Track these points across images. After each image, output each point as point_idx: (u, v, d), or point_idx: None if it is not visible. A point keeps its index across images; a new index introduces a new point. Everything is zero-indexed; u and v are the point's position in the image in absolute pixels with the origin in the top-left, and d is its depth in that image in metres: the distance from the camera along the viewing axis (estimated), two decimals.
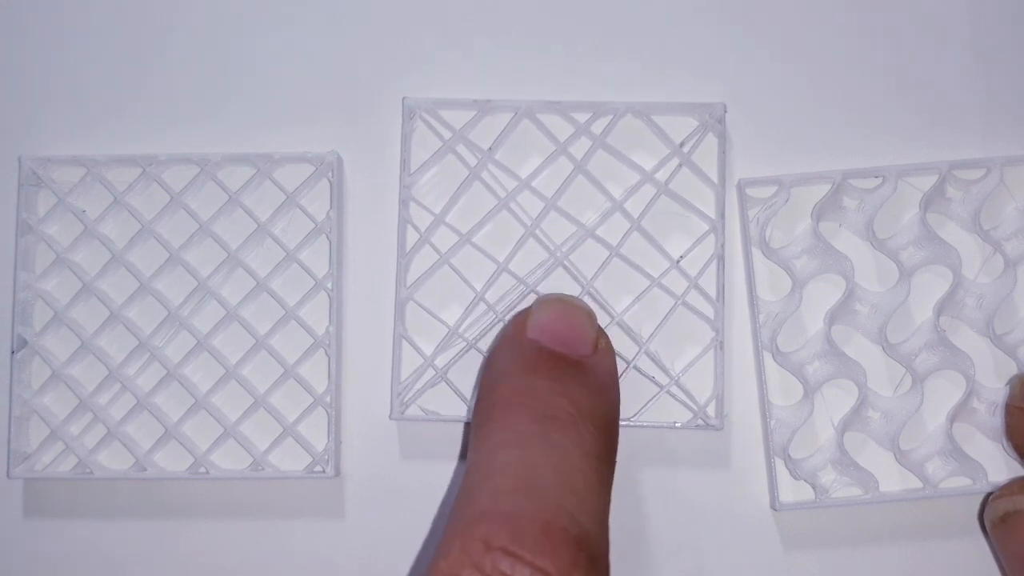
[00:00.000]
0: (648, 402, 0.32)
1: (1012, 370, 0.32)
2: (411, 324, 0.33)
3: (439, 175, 0.34)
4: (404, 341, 0.33)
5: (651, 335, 0.32)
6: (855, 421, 0.32)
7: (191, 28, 0.35)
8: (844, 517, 0.32)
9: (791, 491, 0.32)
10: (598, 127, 0.33)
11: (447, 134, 0.33)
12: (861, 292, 0.33)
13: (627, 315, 0.32)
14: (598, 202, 0.33)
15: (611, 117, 0.33)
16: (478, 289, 0.32)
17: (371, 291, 0.33)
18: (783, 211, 0.33)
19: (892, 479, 0.32)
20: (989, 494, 0.31)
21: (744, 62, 0.34)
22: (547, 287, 0.33)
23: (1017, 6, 0.34)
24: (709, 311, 0.32)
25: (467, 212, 0.33)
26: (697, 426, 0.32)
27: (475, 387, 0.32)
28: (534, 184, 0.33)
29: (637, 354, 0.32)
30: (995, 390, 0.32)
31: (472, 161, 0.33)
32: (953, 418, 0.32)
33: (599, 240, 0.33)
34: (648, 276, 0.32)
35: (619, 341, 0.32)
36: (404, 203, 0.33)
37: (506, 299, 0.33)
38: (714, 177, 0.33)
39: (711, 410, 0.32)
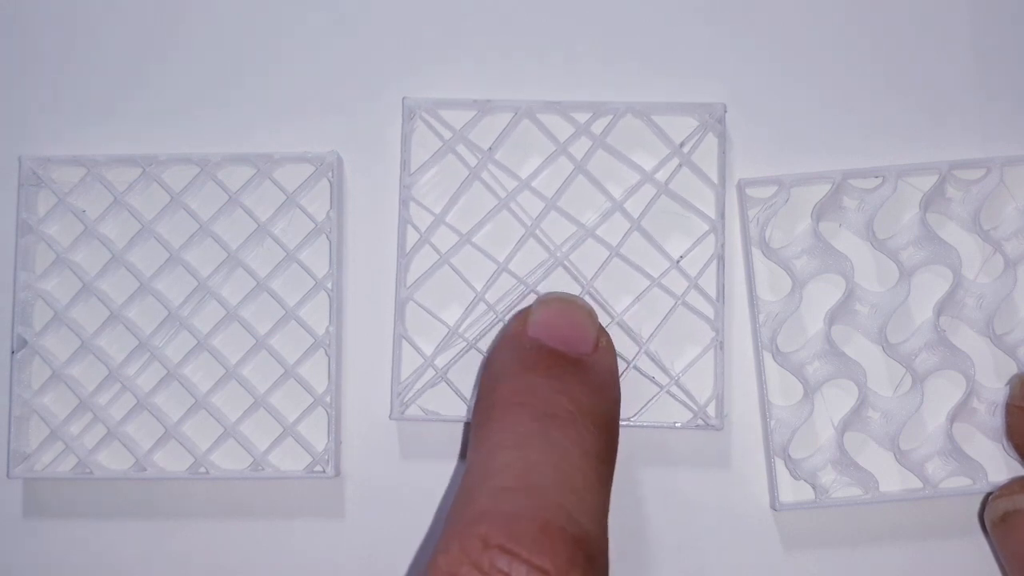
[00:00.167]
0: (648, 402, 0.32)
1: (1012, 370, 0.32)
2: (411, 324, 0.33)
3: (439, 175, 0.34)
4: (404, 341, 0.32)
5: (651, 335, 0.32)
6: (855, 421, 0.32)
7: (191, 28, 0.35)
8: (844, 517, 0.32)
9: (791, 491, 0.32)
10: (598, 127, 0.33)
11: (447, 134, 0.33)
12: (861, 292, 0.33)
13: (627, 315, 0.32)
14: (598, 202, 0.33)
15: (611, 117, 0.33)
16: (478, 289, 0.32)
17: (371, 291, 0.33)
18: (783, 211, 0.33)
19: (892, 479, 0.32)
20: (989, 494, 0.31)
21: (744, 62, 0.34)
22: (547, 287, 0.33)
23: (1017, 6, 0.34)
24: (709, 311, 0.32)
25: (467, 212, 0.33)
26: (697, 426, 0.32)
27: (475, 386, 0.32)
28: (534, 184, 0.33)
29: (637, 354, 0.32)
30: (995, 390, 0.32)
31: (472, 161, 0.33)
32: (953, 418, 0.32)
33: (599, 240, 0.33)
34: (648, 276, 0.32)
35: (619, 341, 0.31)
36: (404, 203, 0.33)
37: (506, 299, 0.33)
38: (714, 177, 0.33)
39: (711, 410, 0.32)
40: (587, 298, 0.32)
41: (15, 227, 0.33)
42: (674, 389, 0.32)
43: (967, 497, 0.32)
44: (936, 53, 0.34)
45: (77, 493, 0.33)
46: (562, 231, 0.33)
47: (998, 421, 0.32)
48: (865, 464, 0.32)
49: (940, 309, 0.32)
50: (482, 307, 0.33)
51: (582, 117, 0.33)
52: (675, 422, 0.32)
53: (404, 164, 0.33)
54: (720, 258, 0.32)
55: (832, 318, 0.32)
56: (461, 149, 0.33)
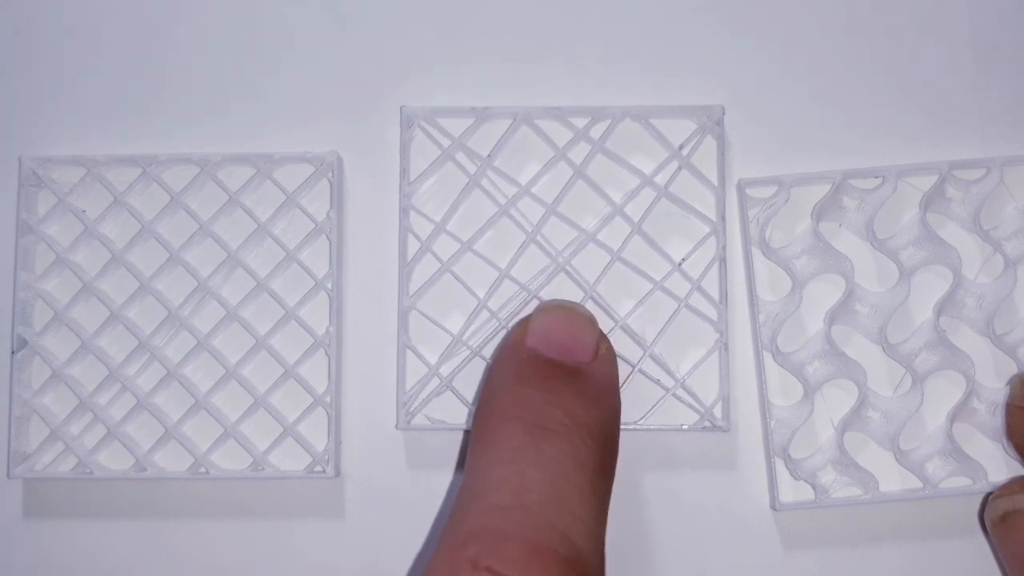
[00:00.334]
0: (654, 405, 0.32)
1: (1012, 370, 0.32)
2: (414, 332, 0.33)
3: (439, 183, 0.34)
4: (408, 350, 0.32)
5: (655, 338, 0.32)
6: (855, 421, 0.32)
7: (191, 28, 0.35)
8: (844, 517, 0.32)
9: (791, 491, 0.32)
10: (597, 132, 0.33)
11: (446, 142, 0.33)
12: (861, 292, 0.33)
13: (630, 319, 0.32)
14: (598, 207, 0.33)
15: (610, 121, 0.33)
16: (481, 296, 0.32)
17: (371, 291, 0.33)
18: (783, 211, 0.33)
19: (892, 479, 0.32)
20: (989, 494, 0.31)
21: (744, 62, 0.34)
22: (549, 293, 0.33)
23: (1017, 6, 0.34)
24: (712, 313, 0.32)
25: (467, 220, 0.33)
26: (704, 428, 0.32)
27: (476, 395, 0.32)
28: (534, 190, 0.33)
29: (642, 358, 0.32)
30: (995, 390, 0.32)
31: (471, 168, 0.33)
32: (953, 418, 0.32)
33: (600, 245, 0.33)
34: (650, 279, 0.32)
35: (623, 345, 0.32)
36: (404, 212, 0.33)
37: (509, 306, 0.32)
38: (714, 179, 0.33)
39: (717, 411, 0.32)
40: (590, 303, 0.32)
41: (15, 227, 0.33)
42: (679, 391, 0.32)
43: (967, 497, 0.32)
44: (936, 53, 0.34)
45: (77, 493, 0.33)
46: (563, 236, 0.33)
47: (998, 421, 0.32)
48: (865, 464, 0.31)
49: (940, 309, 0.32)
50: (485, 314, 0.32)
51: (580, 122, 0.33)
52: (682, 424, 0.32)
53: (403, 172, 0.33)
54: (722, 260, 0.32)
55: (832, 318, 0.32)
56: (460, 157, 0.33)
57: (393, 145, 0.34)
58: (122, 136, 0.34)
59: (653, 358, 0.32)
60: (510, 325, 0.32)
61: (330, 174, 0.33)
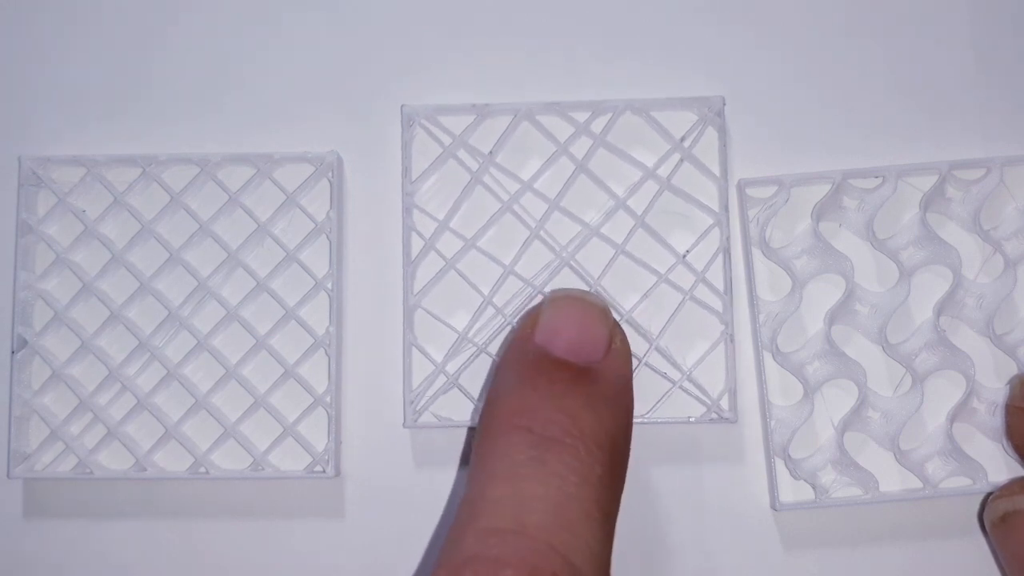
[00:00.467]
0: (661, 398, 0.32)
1: (1012, 370, 0.32)
2: (419, 331, 0.33)
3: (441, 181, 0.34)
4: (413, 348, 0.32)
5: (661, 331, 0.32)
6: (855, 421, 0.32)
7: (191, 28, 0.35)
8: (844, 517, 0.32)
9: (791, 491, 0.32)
10: (598, 126, 0.33)
11: (447, 140, 0.33)
12: (861, 292, 0.33)
13: (635, 312, 0.32)
14: (601, 201, 0.33)
15: (610, 115, 0.33)
16: (485, 293, 0.32)
17: (372, 291, 0.33)
18: (783, 211, 0.33)
19: (892, 479, 0.32)
20: (989, 494, 0.31)
21: (744, 62, 0.34)
22: (554, 288, 0.32)
23: (1017, 6, 0.34)
24: (717, 305, 0.32)
25: (470, 217, 0.33)
26: (711, 420, 0.32)
27: (480, 393, 0.32)
28: (536, 186, 0.33)
29: (648, 351, 0.32)
30: (995, 390, 0.32)
31: (473, 166, 0.33)
32: (953, 418, 0.32)
33: (604, 239, 0.33)
34: (655, 272, 0.32)
35: (629, 339, 0.31)
36: (407, 210, 0.33)
37: (514, 302, 0.32)
38: (715, 171, 0.33)
39: (724, 403, 0.32)
40: None
41: (15, 227, 0.33)
42: (686, 384, 0.32)
43: (967, 497, 0.32)
44: (936, 53, 0.34)
45: (77, 493, 0.33)
46: (566, 231, 0.33)
47: (998, 421, 0.32)
48: (865, 464, 0.31)
49: (940, 309, 0.32)
50: (490, 311, 0.32)
51: (581, 116, 0.33)
52: (689, 417, 0.32)
53: (405, 171, 0.33)
54: (726, 251, 0.32)
55: (832, 318, 0.32)
56: (462, 154, 0.33)
57: (393, 144, 0.34)
58: (122, 136, 0.34)
59: (659, 351, 0.32)
60: (515, 321, 0.32)
61: (330, 174, 0.33)
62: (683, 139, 0.33)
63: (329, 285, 0.33)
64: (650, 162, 0.33)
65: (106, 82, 0.35)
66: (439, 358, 0.32)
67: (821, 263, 0.33)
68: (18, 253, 0.33)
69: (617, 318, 0.32)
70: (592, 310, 0.27)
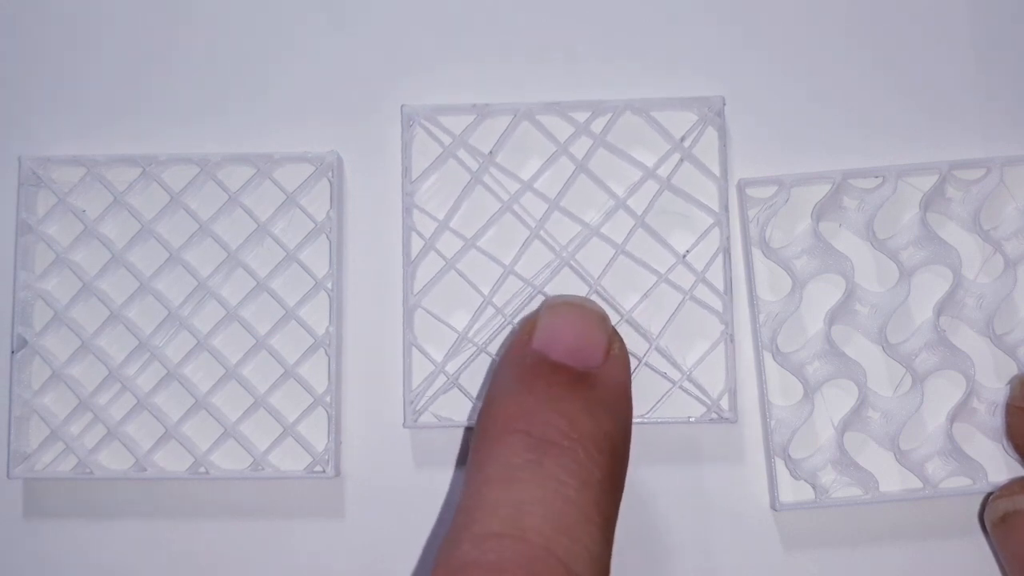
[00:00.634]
0: (661, 398, 0.32)
1: (1012, 370, 0.32)
2: (419, 331, 0.33)
3: (441, 181, 0.34)
4: (413, 348, 0.32)
5: (661, 331, 0.32)
6: (855, 421, 0.32)
7: (191, 28, 0.35)
8: (844, 517, 0.32)
9: (791, 491, 0.32)
10: (598, 126, 0.33)
11: (447, 140, 0.33)
12: (861, 292, 0.33)
13: (635, 312, 0.32)
14: (601, 201, 0.33)
15: (610, 115, 0.33)
16: (485, 293, 0.32)
17: (372, 291, 0.33)
18: (783, 211, 0.33)
19: (892, 479, 0.32)
20: (989, 494, 0.31)
21: (744, 62, 0.34)
22: (554, 288, 0.32)
23: (1017, 6, 0.34)
24: (717, 305, 0.32)
25: (470, 217, 0.33)
26: (711, 420, 0.32)
27: (478, 394, 0.32)
28: (536, 185, 0.33)
29: (648, 351, 0.32)
30: (995, 390, 0.32)
31: (473, 165, 0.33)
32: (953, 418, 0.32)
33: (604, 239, 0.33)
34: (655, 272, 0.32)
35: (629, 338, 0.31)
36: (407, 210, 0.33)
37: (514, 302, 0.32)
38: (715, 171, 0.33)
39: (724, 403, 0.32)
40: (594, 297, 0.32)
41: (15, 227, 0.33)
42: (686, 384, 0.32)
43: (967, 497, 0.32)
44: (936, 53, 0.34)
45: (77, 493, 0.33)
46: (566, 231, 0.33)
47: (998, 421, 0.32)
48: (865, 464, 0.31)
49: (940, 309, 0.32)
50: (490, 311, 0.32)
51: (581, 116, 0.33)
52: (688, 417, 0.32)
53: (405, 171, 0.33)
54: (726, 251, 0.32)
55: (832, 318, 0.32)
56: (462, 154, 0.33)
57: (393, 144, 0.34)
58: (122, 136, 0.34)
59: (659, 351, 0.32)
60: (515, 321, 0.32)
61: (330, 174, 0.33)
62: (683, 139, 0.33)
63: (329, 285, 0.33)
64: (650, 162, 0.33)
65: (106, 82, 0.35)
66: (439, 358, 0.32)
67: (821, 263, 0.33)
68: (18, 253, 0.33)
69: (617, 318, 0.32)
70: (590, 316, 0.27)
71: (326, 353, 0.33)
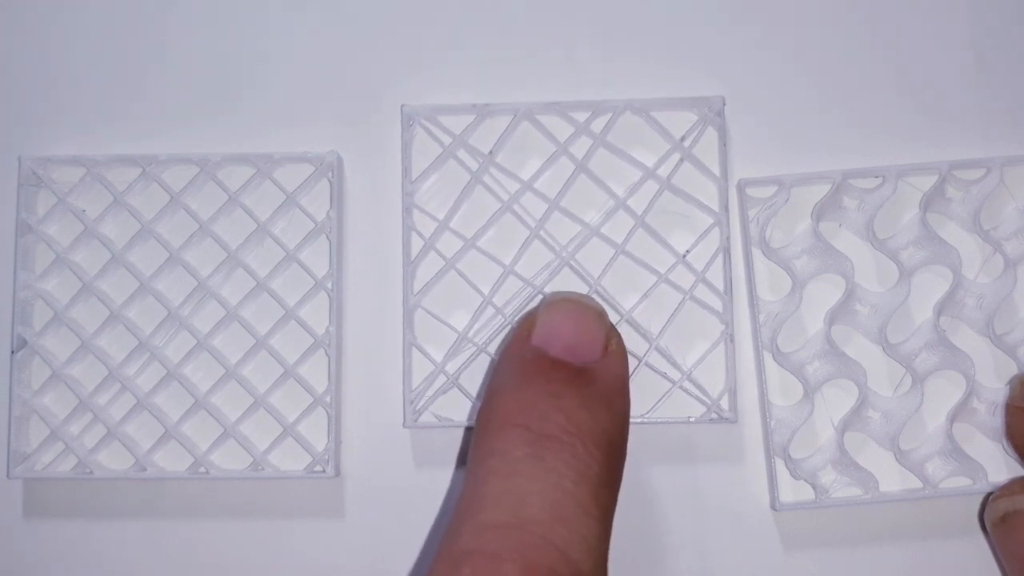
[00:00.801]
0: (661, 398, 0.32)
1: (1012, 370, 0.32)
2: (419, 330, 0.33)
3: (441, 181, 0.34)
4: (413, 348, 0.32)
5: (661, 331, 0.32)
6: (855, 421, 0.32)
7: (191, 28, 0.35)
8: (844, 517, 0.32)
9: (791, 491, 0.32)
10: (598, 126, 0.33)
11: (447, 140, 0.33)
12: (861, 292, 0.33)
13: (635, 312, 0.32)
14: (601, 201, 0.33)
15: (610, 115, 0.33)
16: (485, 293, 0.32)
17: (372, 291, 0.33)
18: (783, 211, 0.33)
19: (892, 479, 0.32)
20: (989, 494, 0.31)
21: (744, 62, 0.34)
22: (554, 288, 0.32)
23: (1017, 6, 0.34)
24: (717, 304, 0.32)
25: (470, 217, 0.33)
26: (711, 420, 0.32)
27: (480, 392, 0.32)
28: (536, 185, 0.33)
29: (648, 351, 0.32)
30: (995, 390, 0.32)
31: (473, 165, 0.33)
32: (953, 418, 0.32)
33: (604, 239, 0.33)
34: (655, 272, 0.32)
35: (629, 338, 0.31)
36: (407, 210, 0.33)
37: (514, 302, 0.32)
38: (715, 171, 0.33)
39: (724, 403, 0.32)
40: (595, 297, 0.32)
41: (15, 227, 0.33)
42: (686, 384, 0.32)
43: (967, 497, 0.32)
44: (936, 53, 0.34)
45: (77, 493, 0.33)
46: (566, 231, 0.33)
47: (998, 421, 0.32)
48: (865, 464, 0.31)
49: (940, 309, 0.32)
50: (490, 311, 0.32)
51: (581, 116, 0.33)
52: (689, 417, 0.32)
53: (405, 171, 0.33)
54: (726, 251, 0.32)
55: (832, 318, 0.32)
56: (462, 154, 0.33)
57: (393, 144, 0.34)
58: (122, 136, 0.34)
59: (659, 351, 0.32)
60: (515, 321, 0.32)
61: (330, 174, 0.33)
62: (683, 139, 0.33)
63: (329, 285, 0.33)
64: (650, 162, 0.33)
65: (106, 82, 0.35)
66: (439, 358, 0.32)
67: (821, 263, 0.33)
68: (18, 253, 0.33)
69: (617, 318, 0.32)
70: (589, 312, 0.27)
71: (326, 353, 0.33)
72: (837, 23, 0.34)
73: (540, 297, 0.32)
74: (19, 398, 0.33)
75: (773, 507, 0.32)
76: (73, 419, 0.33)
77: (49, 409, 0.33)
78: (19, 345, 0.33)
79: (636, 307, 0.32)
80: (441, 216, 0.33)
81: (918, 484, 0.32)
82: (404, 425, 0.32)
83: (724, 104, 0.33)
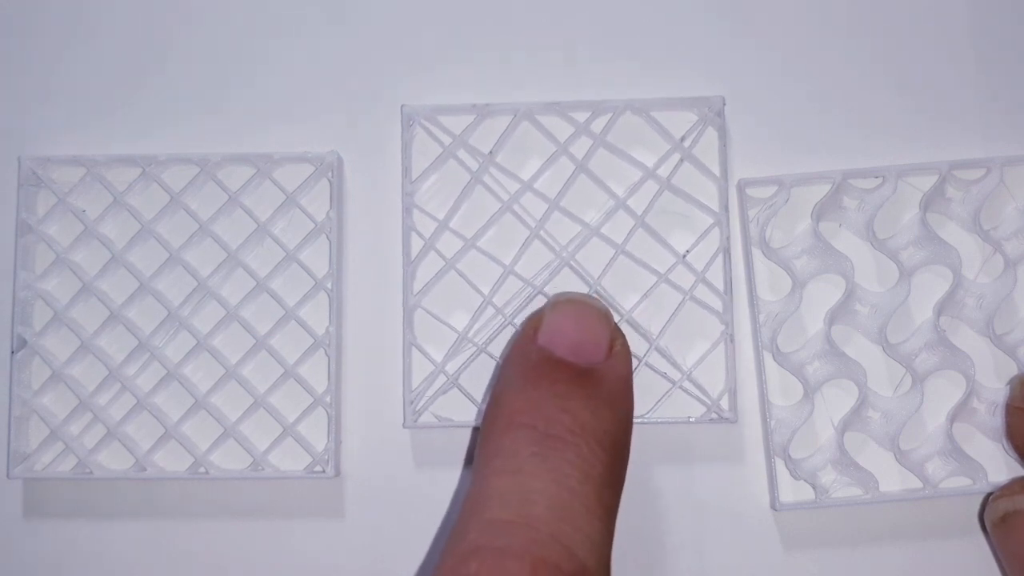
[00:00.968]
0: (661, 398, 0.32)
1: (1012, 370, 0.32)
2: (419, 331, 0.33)
3: (440, 181, 0.34)
4: (413, 348, 0.32)
5: (661, 331, 0.32)
6: (855, 421, 0.32)
7: (191, 28, 0.35)
8: (844, 517, 0.32)
9: (791, 491, 0.32)
10: (598, 126, 0.33)
11: (447, 140, 0.33)
12: (861, 292, 0.33)
13: (635, 312, 0.32)
14: (601, 201, 0.33)
15: (610, 115, 0.33)
16: (485, 293, 0.32)
17: (371, 291, 0.33)
18: (783, 211, 0.33)
19: (892, 479, 0.32)
20: (989, 494, 0.31)
21: (744, 62, 0.34)
22: (554, 288, 0.32)
23: (1017, 6, 0.34)
24: (717, 304, 0.32)
25: (470, 217, 0.33)
26: (711, 420, 0.32)
27: (484, 393, 0.32)
28: (536, 186, 0.33)
29: (648, 351, 0.32)
30: (995, 390, 0.32)
31: (473, 166, 0.33)
32: (953, 418, 0.32)
33: (604, 239, 0.33)
34: (655, 272, 0.32)
35: (629, 338, 0.31)
36: (407, 210, 0.33)
37: (514, 302, 0.32)
38: (715, 171, 0.33)
39: (724, 403, 0.32)
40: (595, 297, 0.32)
41: (15, 227, 0.33)
42: (686, 384, 0.32)
43: (967, 497, 0.32)
44: (936, 53, 0.34)
45: (77, 493, 0.33)
46: (566, 231, 0.33)
47: (998, 421, 0.32)
48: (865, 464, 0.32)
49: (940, 309, 0.32)
50: (490, 311, 0.32)
51: (581, 116, 0.33)
52: (689, 417, 0.32)
53: (405, 171, 0.33)
54: (726, 251, 0.32)
55: (832, 318, 0.32)
56: (462, 154, 0.33)
57: (393, 144, 0.34)
58: (122, 136, 0.34)
59: (659, 351, 0.32)
60: (515, 321, 0.32)
61: (330, 174, 0.33)
62: (683, 139, 0.33)
63: (329, 285, 0.33)
64: (650, 162, 0.33)
65: (106, 82, 0.35)
66: (439, 358, 0.32)
67: (821, 263, 0.33)
68: (18, 253, 0.33)
69: (617, 318, 0.32)
70: (594, 313, 0.28)
71: (326, 353, 0.33)
72: (837, 23, 0.34)
73: (540, 297, 0.32)
74: (19, 398, 0.33)
75: (773, 507, 0.32)
76: (73, 419, 0.33)
77: (49, 409, 0.33)
78: (19, 345, 0.33)
79: (636, 307, 0.32)
80: (441, 216, 0.33)
81: (918, 484, 0.32)
82: (404, 425, 0.32)
83: (724, 104, 0.33)
